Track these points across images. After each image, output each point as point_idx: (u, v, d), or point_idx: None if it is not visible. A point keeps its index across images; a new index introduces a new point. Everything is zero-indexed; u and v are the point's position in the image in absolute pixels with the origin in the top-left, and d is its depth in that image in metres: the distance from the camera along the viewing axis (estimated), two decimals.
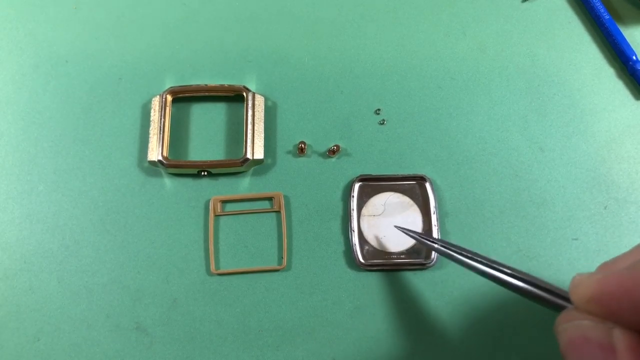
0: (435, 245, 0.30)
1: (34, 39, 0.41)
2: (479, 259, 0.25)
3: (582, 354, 0.18)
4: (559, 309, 0.21)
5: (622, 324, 0.17)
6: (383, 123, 0.39)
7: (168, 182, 0.37)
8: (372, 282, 0.35)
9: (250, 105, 0.37)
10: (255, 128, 0.37)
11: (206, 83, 0.39)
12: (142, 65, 0.40)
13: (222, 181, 0.37)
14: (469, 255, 0.26)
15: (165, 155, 0.36)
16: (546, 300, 0.21)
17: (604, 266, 0.20)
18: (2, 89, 0.39)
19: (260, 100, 0.38)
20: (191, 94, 0.38)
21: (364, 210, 0.36)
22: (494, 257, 0.25)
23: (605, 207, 0.37)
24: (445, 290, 0.35)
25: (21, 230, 0.36)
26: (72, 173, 0.37)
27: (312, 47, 0.41)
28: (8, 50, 0.40)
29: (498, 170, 0.38)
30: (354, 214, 0.36)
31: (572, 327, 0.19)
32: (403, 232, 0.34)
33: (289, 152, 0.38)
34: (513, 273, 0.23)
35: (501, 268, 0.24)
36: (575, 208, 0.37)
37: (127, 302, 0.34)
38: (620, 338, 0.17)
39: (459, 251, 0.27)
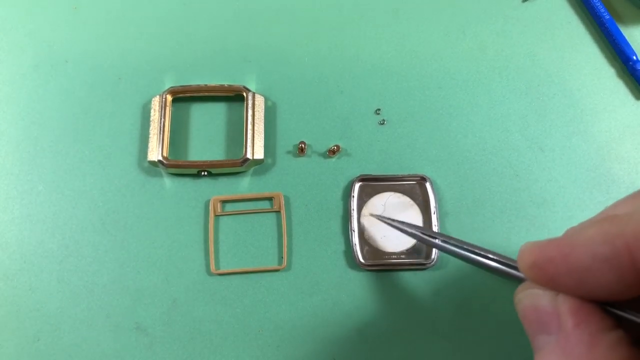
0: (417, 234, 0.30)
1: (34, 39, 0.41)
2: (450, 242, 0.26)
3: (533, 320, 0.19)
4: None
5: (561, 290, 0.18)
6: (383, 123, 0.39)
7: (168, 182, 0.37)
8: (372, 282, 0.35)
9: (250, 105, 0.37)
10: (255, 128, 0.37)
11: (206, 83, 0.39)
12: (142, 65, 0.40)
13: (222, 181, 0.37)
14: (451, 242, 0.27)
15: (165, 155, 0.36)
16: (511, 275, 0.22)
17: (567, 230, 0.21)
18: (2, 89, 0.39)
19: (260, 100, 0.38)
20: (191, 94, 0.38)
21: (364, 210, 0.36)
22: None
23: (605, 207, 0.37)
24: (445, 290, 0.35)
25: (21, 230, 0.36)
26: (72, 173, 0.37)
27: (312, 47, 0.41)
28: (8, 50, 0.40)
29: (498, 170, 0.38)
30: (354, 214, 0.36)
31: (524, 296, 0.19)
32: (381, 220, 0.34)
33: (289, 152, 0.38)
34: (483, 253, 0.24)
35: (472, 249, 0.25)
36: (576, 208, 0.37)
37: (127, 302, 0.34)
38: (563, 303, 0.18)
39: (440, 238, 0.28)
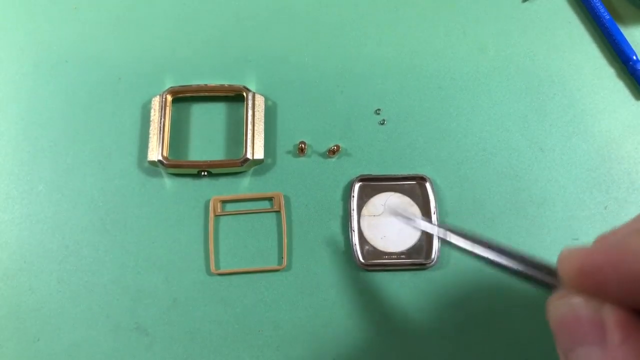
0: (421, 225, 0.29)
1: (34, 39, 0.41)
2: (477, 240, 0.24)
3: (573, 331, 0.18)
4: (552, 289, 0.20)
5: (609, 299, 0.17)
6: (383, 123, 0.39)
7: (168, 182, 0.37)
8: (372, 282, 0.35)
9: (250, 105, 0.37)
10: (255, 128, 0.37)
11: (206, 83, 0.39)
12: (142, 65, 0.40)
13: (222, 181, 0.37)
14: (463, 235, 0.24)
15: (165, 155, 0.36)
16: (541, 280, 0.21)
17: (601, 238, 0.19)
18: (2, 89, 0.39)
19: (260, 100, 0.38)
20: (191, 94, 0.39)
21: (364, 210, 0.36)
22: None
23: (605, 207, 0.37)
24: (445, 290, 0.35)
25: (21, 230, 0.36)
26: (72, 173, 0.37)
27: (312, 47, 0.41)
28: (8, 50, 0.40)
29: (498, 170, 0.38)
30: (354, 214, 0.36)
31: (562, 304, 0.18)
32: (393, 213, 0.32)
33: (289, 152, 0.38)
34: (507, 251, 0.22)
35: (493, 247, 0.23)
36: (576, 208, 0.37)
37: (127, 302, 0.34)
38: (610, 314, 0.17)
39: (452, 230, 0.25)
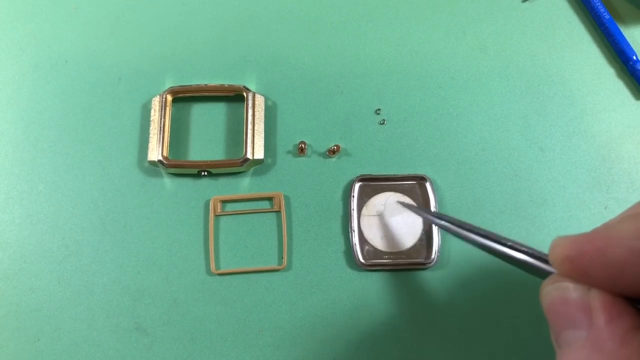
0: (434, 219, 0.30)
1: (34, 39, 0.41)
2: (476, 231, 0.25)
3: (562, 314, 0.18)
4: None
5: (596, 284, 0.17)
6: (383, 123, 0.39)
7: (168, 182, 0.37)
8: (372, 282, 0.35)
9: (250, 105, 0.37)
10: (255, 128, 0.37)
11: (206, 83, 0.39)
12: (142, 65, 0.40)
13: (222, 181, 0.37)
14: (468, 227, 0.26)
15: (165, 155, 0.36)
16: (540, 269, 0.21)
17: (594, 228, 0.20)
18: (2, 89, 0.39)
19: (260, 100, 0.38)
20: (191, 94, 0.38)
21: (364, 210, 0.36)
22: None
23: (605, 207, 0.37)
24: (445, 290, 0.35)
25: (21, 230, 0.36)
26: (72, 173, 0.37)
27: (312, 47, 0.41)
28: (8, 50, 0.40)
29: (498, 170, 0.38)
30: (354, 214, 0.36)
31: (553, 289, 0.19)
32: (403, 206, 0.34)
33: (289, 152, 0.38)
34: (511, 244, 0.23)
35: (500, 240, 0.24)
36: (576, 208, 0.37)
37: (127, 302, 0.34)
38: (596, 298, 0.17)
39: (458, 223, 0.27)
